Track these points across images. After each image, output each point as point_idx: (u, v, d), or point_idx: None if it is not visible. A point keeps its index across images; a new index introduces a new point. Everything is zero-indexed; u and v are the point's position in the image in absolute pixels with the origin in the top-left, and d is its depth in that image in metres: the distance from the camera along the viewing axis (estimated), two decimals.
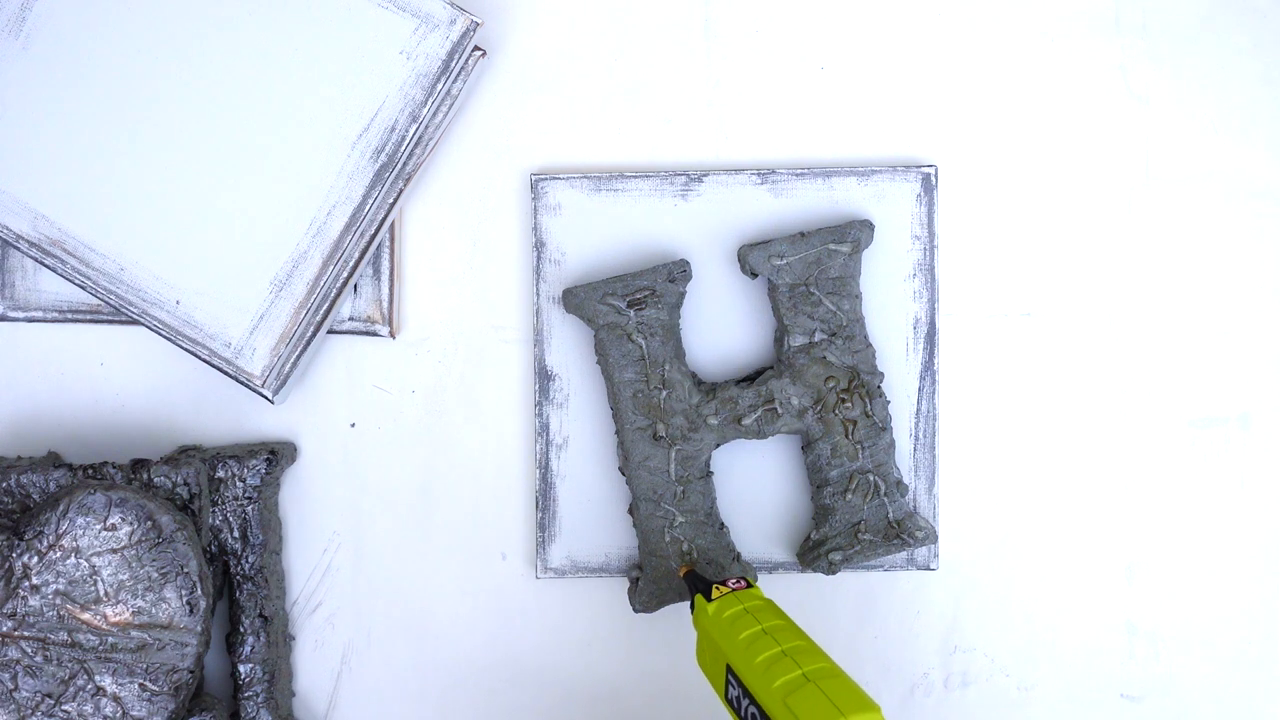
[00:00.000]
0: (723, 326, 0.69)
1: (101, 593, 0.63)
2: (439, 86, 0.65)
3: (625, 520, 0.69)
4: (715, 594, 0.61)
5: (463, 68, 0.66)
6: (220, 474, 0.66)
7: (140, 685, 0.63)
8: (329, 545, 0.70)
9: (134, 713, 0.63)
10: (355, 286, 0.69)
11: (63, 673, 0.62)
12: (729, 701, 0.57)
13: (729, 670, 0.57)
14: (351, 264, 0.66)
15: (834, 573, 0.66)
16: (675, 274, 0.66)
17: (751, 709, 0.55)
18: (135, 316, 0.66)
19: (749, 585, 0.61)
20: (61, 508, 0.63)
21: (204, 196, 0.65)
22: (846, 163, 0.70)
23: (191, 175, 0.65)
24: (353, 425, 0.70)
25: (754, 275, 0.67)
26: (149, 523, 0.63)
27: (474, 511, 0.70)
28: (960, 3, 0.70)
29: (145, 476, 0.65)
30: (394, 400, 0.70)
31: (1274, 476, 0.70)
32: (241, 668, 0.67)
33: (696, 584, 0.62)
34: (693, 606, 0.62)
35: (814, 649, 0.56)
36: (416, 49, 0.65)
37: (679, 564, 0.66)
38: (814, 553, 0.66)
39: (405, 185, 0.67)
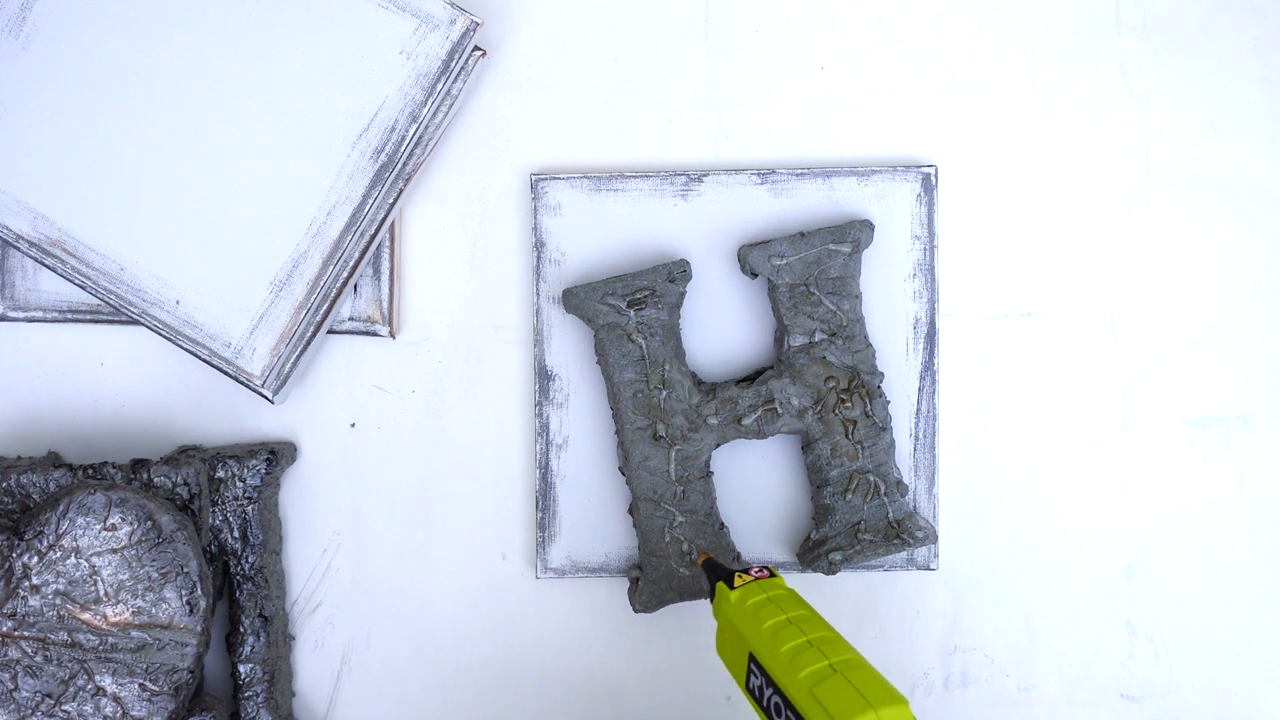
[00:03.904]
0: (723, 326, 0.69)
1: (101, 593, 0.63)
2: (439, 86, 0.65)
3: (625, 520, 0.69)
4: (738, 582, 0.60)
5: (463, 68, 0.66)
6: (220, 474, 0.66)
7: (140, 685, 0.63)
8: (329, 545, 0.70)
9: (134, 713, 0.63)
10: (355, 286, 0.69)
11: (63, 673, 0.62)
12: (750, 690, 0.57)
13: (751, 659, 0.57)
14: (351, 264, 0.66)
15: (834, 573, 0.66)
16: (675, 274, 0.66)
17: (775, 699, 0.54)
18: (135, 316, 0.66)
19: (771, 574, 0.60)
20: (61, 508, 0.63)
21: (204, 196, 0.65)
22: (846, 163, 0.69)
23: (191, 175, 0.65)
24: (353, 425, 0.70)
25: (754, 275, 0.67)
26: (149, 523, 0.63)
27: (474, 511, 0.70)
28: (960, 3, 0.70)
29: (145, 476, 0.65)
30: (394, 400, 0.70)
31: (1274, 476, 0.70)
32: (241, 668, 0.67)
33: (717, 572, 0.61)
34: (712, 594, 0.61)
35: (839, 640, 0.56)
36: (416, 49, 0.65)
37: (680, 563, 0.66)
38: (814, 553, 0.66)
39: (405, 185, 0.67)
